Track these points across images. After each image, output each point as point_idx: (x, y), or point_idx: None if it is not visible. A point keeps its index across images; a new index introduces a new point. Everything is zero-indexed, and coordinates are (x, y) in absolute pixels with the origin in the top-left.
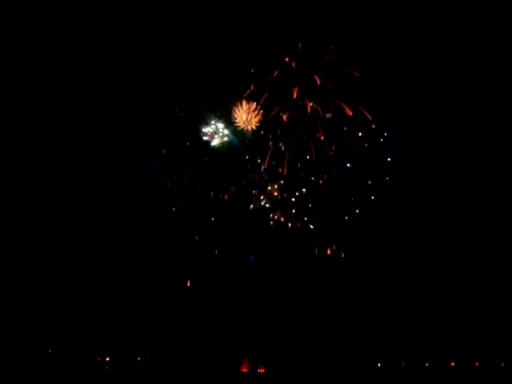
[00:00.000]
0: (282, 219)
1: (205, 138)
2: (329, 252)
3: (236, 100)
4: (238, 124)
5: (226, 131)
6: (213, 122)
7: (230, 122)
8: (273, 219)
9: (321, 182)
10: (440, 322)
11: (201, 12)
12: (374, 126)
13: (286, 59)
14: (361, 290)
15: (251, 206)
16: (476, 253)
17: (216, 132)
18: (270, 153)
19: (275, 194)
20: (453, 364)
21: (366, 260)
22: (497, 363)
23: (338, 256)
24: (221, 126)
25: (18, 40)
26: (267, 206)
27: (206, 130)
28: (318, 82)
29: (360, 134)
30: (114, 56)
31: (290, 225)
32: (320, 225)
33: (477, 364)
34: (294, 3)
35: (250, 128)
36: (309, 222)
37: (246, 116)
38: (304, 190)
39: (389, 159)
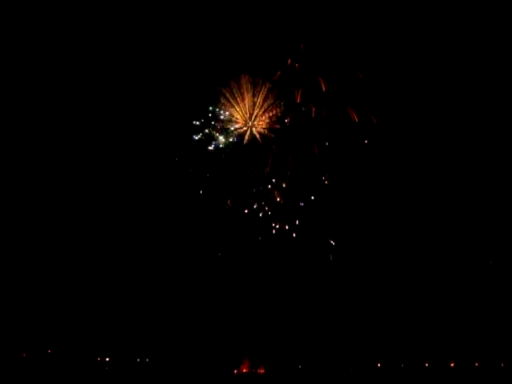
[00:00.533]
0: (287, 227)
1: (196, 138)
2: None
3: (237, 96)
4: (240, 125)
5: (227, 132)
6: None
7: (229, 121)
8: (274, 227)
9: (325, 182)
10: (440, 322)
11: (202, 12)
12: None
13: (289, 61)
14: (361, 291)
15: (247, 210)
16: (476, 253)
17: (219, 133)
18: (271, 156)
19: (278, 199)
20: (452, 365)
21: (366, 260)
22: (497, 363)
23: (338, 258)
24: (221, 122)
25: (18, 40)
26: (269, 213)
27: (198, 123)
28: (322, 84)
29: (366, 142)
30: (108, 52)
31: (294, 235)
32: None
33: (476, 364)
34: (297, 4)
35: (255, 130)
36: (323, 235)
37: (250, 115)
38: (308, 195)
39: (393, 163)
